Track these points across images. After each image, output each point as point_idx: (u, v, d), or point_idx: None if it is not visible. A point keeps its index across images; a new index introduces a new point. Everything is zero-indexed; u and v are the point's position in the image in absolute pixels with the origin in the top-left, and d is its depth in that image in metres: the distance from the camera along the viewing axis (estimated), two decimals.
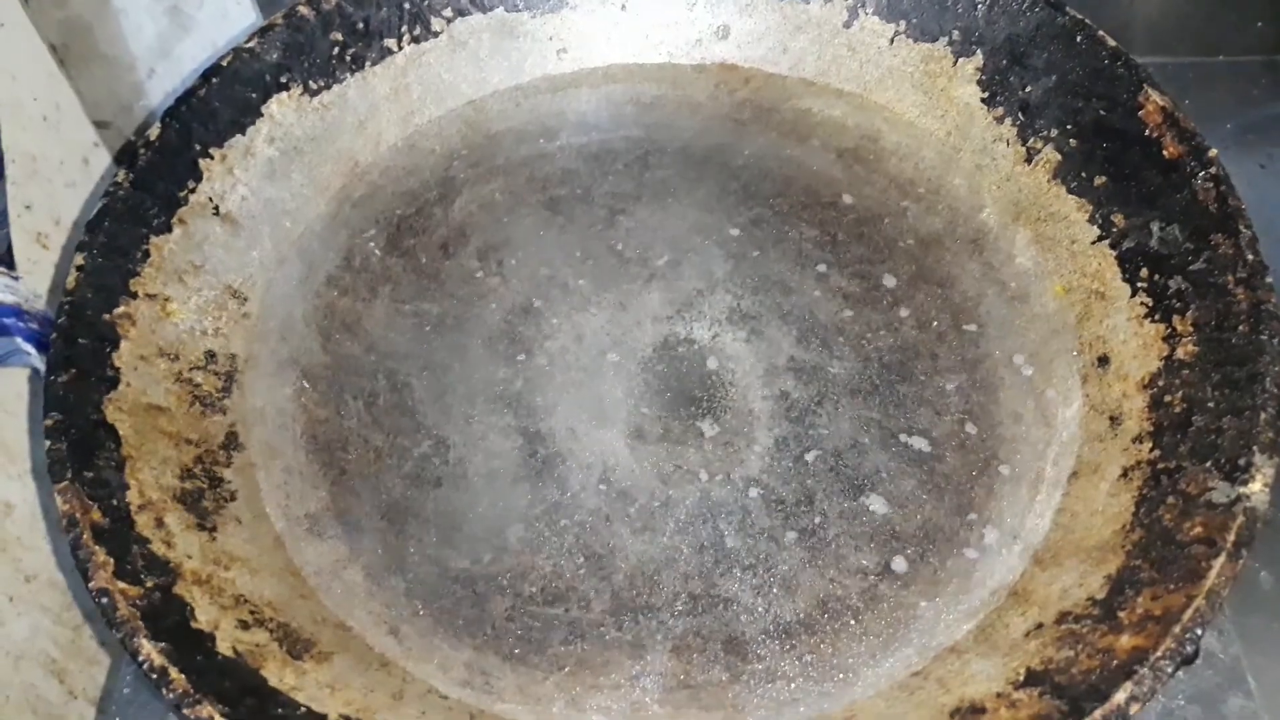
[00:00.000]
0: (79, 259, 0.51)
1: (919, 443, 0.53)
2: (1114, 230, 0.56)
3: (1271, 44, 0.78)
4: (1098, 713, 0.38)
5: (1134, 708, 0.38)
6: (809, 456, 0.53)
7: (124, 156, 0.74)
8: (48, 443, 0.45)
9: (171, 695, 0.39)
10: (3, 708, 0.58)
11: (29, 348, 0.57)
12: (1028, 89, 0.60)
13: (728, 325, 0.58)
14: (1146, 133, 0.55)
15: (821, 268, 0.60)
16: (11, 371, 0.59)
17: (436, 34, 0.65)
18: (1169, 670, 0.38)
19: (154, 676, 0.40)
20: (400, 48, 0.64)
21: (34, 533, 0.62)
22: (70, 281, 0.50)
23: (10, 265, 0.58)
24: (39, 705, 0.61)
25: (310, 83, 0.62)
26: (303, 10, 0.61)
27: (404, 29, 0.64)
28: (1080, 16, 0.59)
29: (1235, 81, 0.77)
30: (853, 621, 0.48)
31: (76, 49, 0.74)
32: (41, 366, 0.55)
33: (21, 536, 0.62)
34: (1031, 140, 0.60)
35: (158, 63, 0.80)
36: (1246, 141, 0.73)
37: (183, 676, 0.39)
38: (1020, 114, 0.61)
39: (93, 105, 0.74)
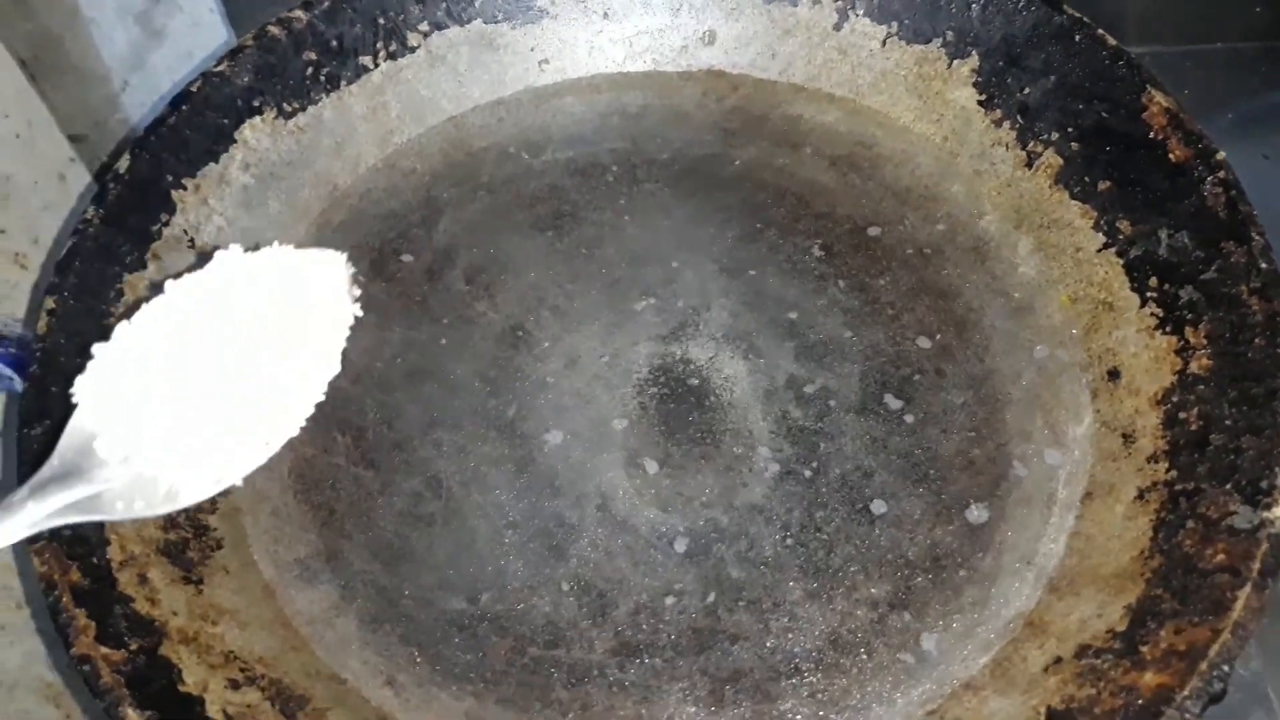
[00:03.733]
0: (49, 302, 0.49)
1: (925, 463, 0.52)
2: (1120, 237, 0.54)
3: (1271, 29, 0.76)
4: None
5: None
6: (812, 480, 0.52)
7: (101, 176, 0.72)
8: None
9: None
10: None
11: (9, 371, 0.56)
12: (1026, 91, 0.58)
13: (725, 344, 0.56)
14: (1151, 135, 0.53)
15: (819, 281, 0.58)
16: None
17: (413, 49, 0.63)
18: (1196, 711, 0.37)
19: None
20: (376, 65, 0.62)
21: (24, 558, 0.61)
22: (41, 326, 0.48)
23: None
24: None
25: (284, 105, 0.59)
26: (273, 30, 0.59)
27: (379, 45, 0.62)
28: (1078, 15, 0.57)
29: (1235, 69, 0.75)
30: (864, 655, 0.47)
31: (47, 62, 0.72)
32: (21, 389, 0.54)
33: (11, 562, 0.60)
34: (1031, 144, 0.58)
35: (131, 74, 0.79)
36: (1249, 132, 0.71)
37: None
38: (1019, 117, 0.59)
39: (66, 119, 0.73)
